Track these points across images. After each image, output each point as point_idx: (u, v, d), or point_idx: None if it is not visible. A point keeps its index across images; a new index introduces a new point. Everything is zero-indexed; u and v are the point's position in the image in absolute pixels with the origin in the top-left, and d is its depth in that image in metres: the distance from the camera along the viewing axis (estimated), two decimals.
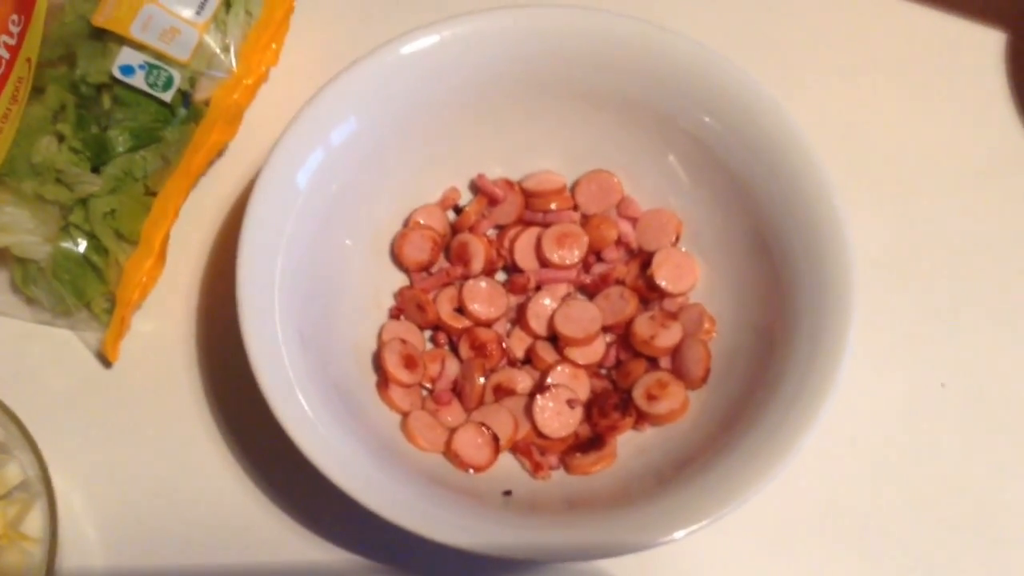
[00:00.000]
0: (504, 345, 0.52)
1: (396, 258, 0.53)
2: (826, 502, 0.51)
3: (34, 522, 0.45)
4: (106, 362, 0.53)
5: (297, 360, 0.45)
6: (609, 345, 0.52)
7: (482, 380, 0.50)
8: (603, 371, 0.52)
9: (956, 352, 0.53)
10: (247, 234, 0.45)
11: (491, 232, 0.55)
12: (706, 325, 0.51)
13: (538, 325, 0.52)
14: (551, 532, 0.43)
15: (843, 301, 0.45)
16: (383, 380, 0.49)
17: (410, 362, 0.50)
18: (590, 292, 0.53)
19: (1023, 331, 0.54)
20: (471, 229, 0.54)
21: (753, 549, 0.50)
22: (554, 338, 0.52)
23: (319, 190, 0.48)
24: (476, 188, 0.55)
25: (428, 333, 0.53)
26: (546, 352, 0.51)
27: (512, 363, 0.52)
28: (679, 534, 0.41)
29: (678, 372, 0.50)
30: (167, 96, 0.54)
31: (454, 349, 0.52)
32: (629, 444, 0.49)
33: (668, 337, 0.50)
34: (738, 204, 0.51)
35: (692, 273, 0.52)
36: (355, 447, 0.43)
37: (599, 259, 0.54)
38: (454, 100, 0.52)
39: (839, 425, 0.51)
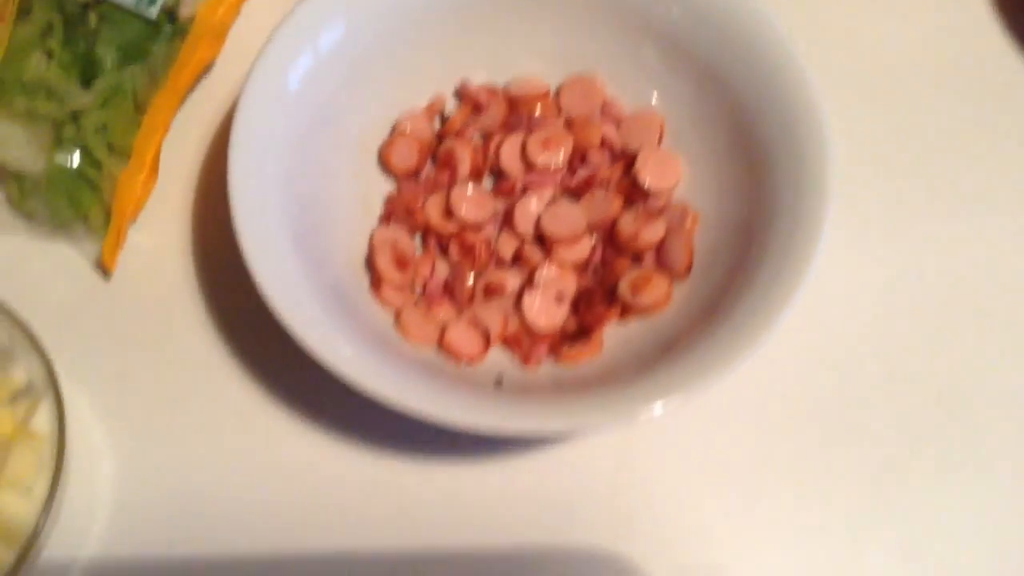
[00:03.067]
0: (492, 247, 0.53)
1: (384, 164, 0.54)
2: (803, 386, 0.52)
3: (42, 422, 0.46)
4: (105, 273, 0.54)
5: (291, 258, 0.46)
6: (595, 244, 0.53)
7: (471, 280, 0.52)
8: (589, 270, 0.53)
9: (938, 244, 0.55)
10: (238, 134, 0.46)
11: (477, 138, 0.56)
12: (689, 221, 0.52)
13: (525, 227, 0.53)
14: (540, 409, 0.45)
15: (819, 191, 0.46)
16: (376, 280, 0.51)
17: (401, 262, 0.51)
18: (576, 194, 0.54)
19: (999, 222, 0.56)
20: (457, 135, 0.55)
21: (733, 432, 0.52)
22: (541, 240, 0.53)
23: (308, 94, 0.49)
24: (461, 95, 0.56)
25: (418, 238, 0.54)
26: (533, 252, 0.53)
27: (501, 264, 0.53)
28: (659, 407, 0.42)
29: (662, 266, 0.51)
30: (152, 12, 0.55)
31: (444, 252, 0.53)
32: (615, 335, 0.51)
33: (651, 233, 0.51)
34: (719, 101, 0.52)
35: (675, 171, 0.53)
36: (353, 339, 0.45)
37: (584, 162, 0.55)
38: (439, 5, 0.52)
39: (818, 313, 0.52)
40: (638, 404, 0.43)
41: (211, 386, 0.52)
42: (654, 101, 0.55)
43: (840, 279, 0.54)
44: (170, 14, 0.56)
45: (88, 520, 0.48)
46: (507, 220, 0.54)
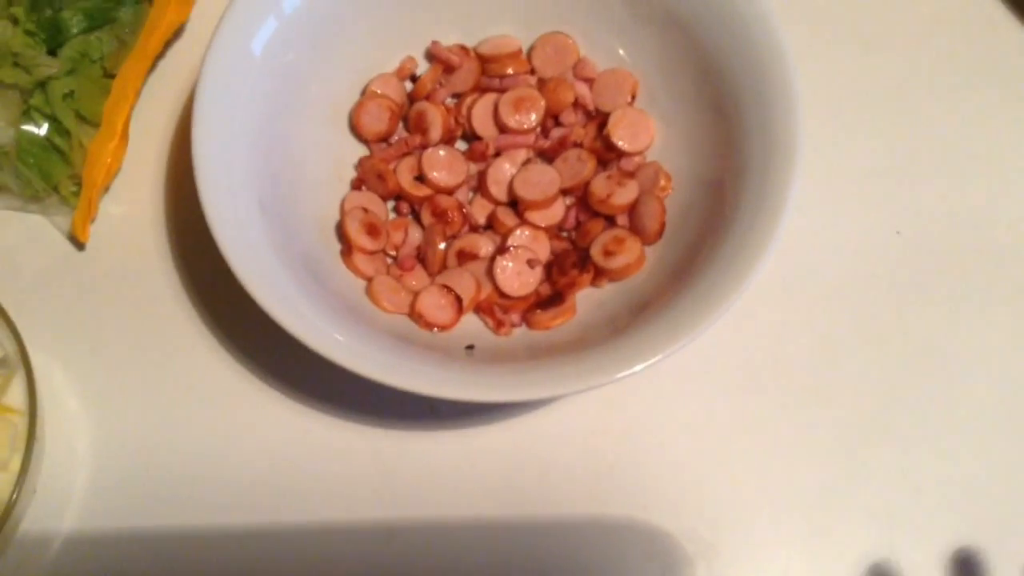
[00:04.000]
0: (465, 211, 0.53)
1: (355, 129, 0.54)
2: (780, 343, 0.52)
3: (16, 396, 0.46)
4: (79, 244, 0.54)
5: (259, 229, 0.46)
6: (569, 207, 0.53)
7: (444, 246, 0.51)
8: (563, 233, 0.53)
9: (912, 201, 0.54)
10: (201, 105, 0.46)
11: (450, 100, 0.55)
12: (662, 182, 0.52)
13: (498, 191, 0.53)
14: (513, 376, 0.44)
15: (788, 148, 0.46)
16: (347, 248, 0.51)
17: (372, 229, 0.51)
18: (549, 156, 0.54)
19: (977, 180, 0.55)
20: (428, 97, 0.54)
21: (710, 390, 0.52)
22: (515, 203, 0.53)
23: (273, 61, 0.49)
24: (432, 56, 0.55)
25: (391, 203, 0.54)
26: (507, 216, 0.52)
27: (474, 229, 0.53)
28: (638, 367, 0.42)
29: (635, 228, 0.51)
30: None
31: (416, 218, 0.53)
32: (588, 299, 0.51)
33: (624, 195, 0.51)
34: (691, 60, 0.51)
35: (648, 131, 0.53)
36: (322, 309, 0.45)
37: (557, 123, 0.54)
38: None
39: (797, 270, 0.52)
40: (616, 368, 0.43)
41: (187, 357, 0.52)
42: (625, 58, 0.54)
43: (821, 237, 0.53)
44: None
45: (66, 494, 0.49)
46: (480, 184, 0.53)
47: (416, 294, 0.50)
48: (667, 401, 0.51)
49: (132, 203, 0.55)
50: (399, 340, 0.46)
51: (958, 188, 0.55)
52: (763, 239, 0.45)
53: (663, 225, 0.50)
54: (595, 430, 0.51)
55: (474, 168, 0.54)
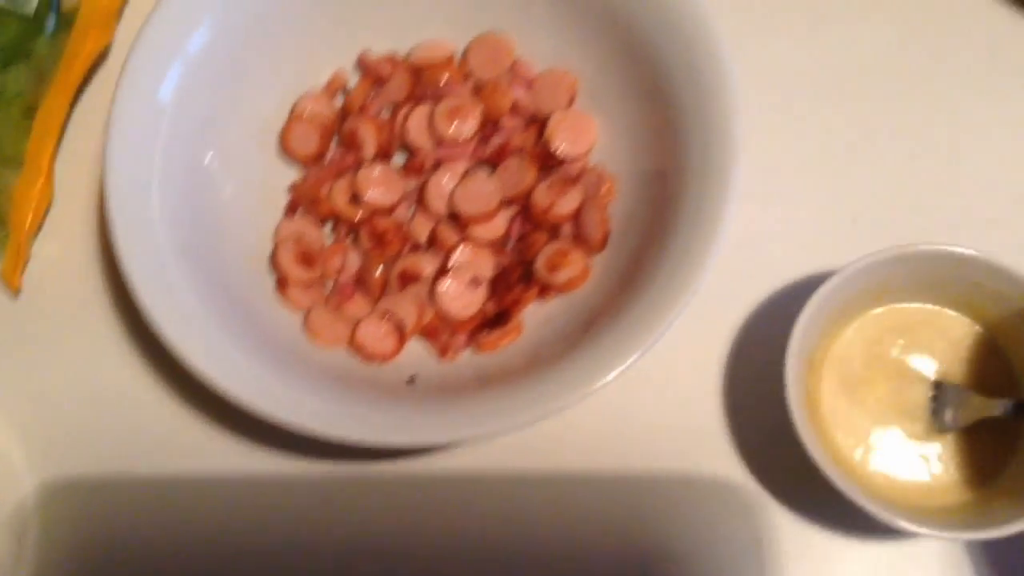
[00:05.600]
0: (406, 230, 0.51)
1: (285, 152, 0.51)
2: (745, 330, 0.50)
3: None
4: (11, 291, 0.52)
5: (181, 273, 0.44)
6: (512, 218, 0.51)
7: (381, 269, 0.50)
8: (508, 245, 0.51)
9: (867, 188, 0.52)
10: (112, 151, 0.44)
11: (384, 113, 0.53)
12: (605, 186, 0.49)
13: (439, 205, 0.51)
14: (456, 412, 0.43)
15: (727, 147, 0.44)
16: (281, 280, 0.49)
17: (307, 258, 0.49)
18: (492, 164, 0.51)
19: (930, 162, 0.52)
20: (360, 112, 0.52)
21: (666, 379, 0.50)
22: (456, 218, 0.51)
23: (186, 99, 0.47)
24: (361, 67, 0.52)
25: (329, 226, 0.52)
26: (448, 233, 0.50)
27: (416, 248, 0.51)
28: (600, 383, 0.41)
29: (579, 238, 0.49)
30: (28, 7, 0.51)
31: (356, 240, 0.51)
32: (536, 315, 0.49)
33: (566, 204, 0.49)
34: (627, 53, 0.49)
35: (589, 133, 0.50)
36: (248, 354, 0.43)
37: (496, 129, 0.52)
38: None
39: (752, 261, 0.50)
40: (574, 389, 0.42)
41: (135, 402, 0.50)
42: (563, 55, 0.51)
43: (776, 227, 0.51)
44: (52, 5, 0.53)
45: (12, 544, 0.48)
46: (420, 199, 0.51)
47: (356, 324, 0.48)
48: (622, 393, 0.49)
49: (66, 241, 0.53)
50: (335, 380, 0.45)
51: (913, 173, 0.52)
52: (708, 237, 0.43)
53: (607, 234, 0.48)
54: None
55: (413, 183, 0.51)
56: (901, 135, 0.53)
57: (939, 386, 0.45)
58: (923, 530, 0.41)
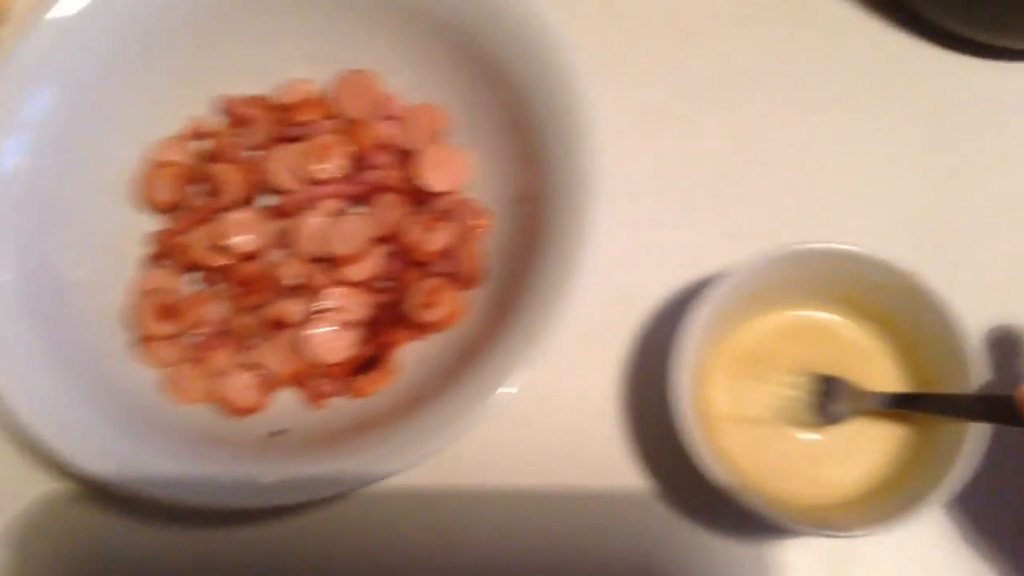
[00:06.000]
0: (274, 275, 0.48)
1: (142, 202, 0.49)
2: (638, 344, 0.49)
3: None
4: None
5: (28, 338, 0.42)
6: (386, 256, 0.49)
7: (249, 317, 0.47)
8: (383, 284, 0.49)
9: (742, 201, 0.51)
10: None
11: (249, 155, 0.51)
12: (478, 219, 0.48)
13: (308, 247, 0.49)
14: (325, 465, 0.41)
15: (589, 171, 0.43)
16: (140, 337, 0.46)
17: (168, 312, 0.46)
18: (364, 202, 0.50)
19: (808, 167, 0.52)
20: (221, 156, 0.50)
21: (568, 396, 0.48)
22: (328, 259, 0.49)
23: (35, 159, 0.45)
24: (222, 110, 0.51)
25: (194, 275, 0.49)
26: (318, 275, 0.48)
27: (286, 293, 0.49)
28: (477, 420, 0.40)
29: (453, 274, 0.47)
30: None
31: (222, 289, 0.49)
32: (412, 355, 0.47)
33: (436, 240, 0.47)
34: (492, 85, 0.48)
35: (460, 167, 0.49)
36: (95, 419, 0.40)
37: (368, 166, 0.50)
38: (178, 18, 0.47)
39: (639, 276, 0.49)
40: (432, 439, 0.40)
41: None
42: (434, 92, 0.50)
43: (655, 244, 0.50)
44: None
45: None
46: (290, 241, 0.49)
47: (220, 377, 0.45)
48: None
49: None
50: (197, 439, 0.42)
51: (789, 181, 0.52)
52: (574, 260, 0.42)
53: (480, 269, 0.47)
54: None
55: (281, 226, 0.49)
56: (776, 144, 0.52)
57: (827, 381, 0.44)
58: (810, 530, 0.41)
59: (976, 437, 0.40)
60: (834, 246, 0.43)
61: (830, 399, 0.44)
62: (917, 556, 0.46)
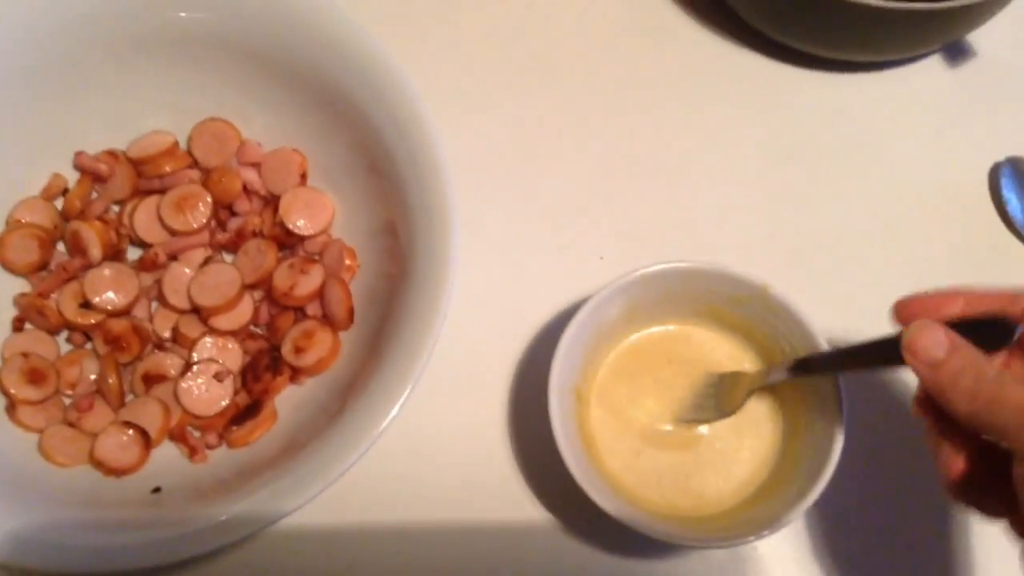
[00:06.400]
0: (146, 329, 0.49)
1: (3, 265, 0.49)
2: (521, 372, 0.51)
3: None
4: None
5: None
6: (258, 303, 0.50)
7: (121, 374, 0.47)
8: (258, 330, 0.50)
9: (610, 227, 0.53)
10: None
11: (111, 211, 0.51)
12: (348, 261, 0.49)
13: (178, 299, 0.49)
14: (213, 513, 0.41)
15: (446, 208, 0.45)
16: (9, 402, 0.46)
17: (37, 376, 0.46)
18: (232, 250, 0.50)
19: (669, 192, 0.54)
20: (81, 215, 0.50)
21: (457, 428, 0.49)
22: (199, 309, 0.49)
23: None
24: (79, 167, 0.50)
25: (65, 336, 0.49)
26: (189, 327, 0.48)
27: (159, 346, 0.49)
28: (355, 458, 0.41)
29: (326, 317, 0.48)
30: None
31: (93, 347, 0.49)
32: (290, 399, 0.48)
33: (307, 284, 0.48)
34: (349, 127, 0.48)
35: (325, 208, 0.50)
36: None
37: (233, 214, 0.51)
38: (27, 75, 0.47)
39: (514, 306, 0.51)
40: (335, 465, 0.41)
41: None
42: (292, 137, 0.51)
43: (536, 270, 0.52)
44: None
45: None
46: (159, 295, 0.49)
47: (96, 438, 0.45)
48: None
49: None
50: (76, 503, 0.42)
51: (653, 204, 0.54)
52: (437, 291, 0.43)
53: (351, 310, 0.48)
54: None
55: (149, 279, 0.49)
56: (638, 168, 0.55)
57: (719, 378, 0.46)
58: (691, 542, 0.42)
59: (839, 441, 0.41)
60: (676, 264, 0.44)
61: (721, 392, 0.46)
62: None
